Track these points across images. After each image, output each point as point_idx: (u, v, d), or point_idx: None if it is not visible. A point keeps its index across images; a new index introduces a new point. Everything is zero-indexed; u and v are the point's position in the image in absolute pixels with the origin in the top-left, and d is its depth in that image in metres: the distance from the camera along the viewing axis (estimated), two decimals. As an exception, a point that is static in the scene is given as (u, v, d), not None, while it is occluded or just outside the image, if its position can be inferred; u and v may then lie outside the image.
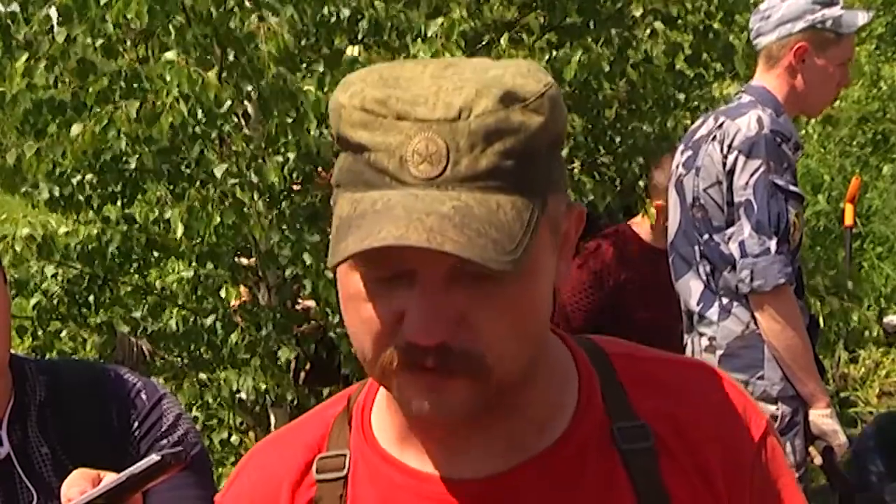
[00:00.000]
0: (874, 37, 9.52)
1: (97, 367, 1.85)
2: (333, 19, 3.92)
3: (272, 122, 3.80)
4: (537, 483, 1.03)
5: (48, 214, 4.59)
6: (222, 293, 4.08)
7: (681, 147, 3.12)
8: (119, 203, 4.08)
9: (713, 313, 2.95)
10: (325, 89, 3.70)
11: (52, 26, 3.88)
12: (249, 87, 3.72)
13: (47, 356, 3.94)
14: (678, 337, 3.15)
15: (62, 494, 1.32)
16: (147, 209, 3.97)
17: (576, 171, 4.54)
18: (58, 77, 3.80)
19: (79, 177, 3.92)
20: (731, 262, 2.86)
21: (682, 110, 4.72)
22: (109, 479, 1.28)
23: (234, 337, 3.98)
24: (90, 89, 3.70)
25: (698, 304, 2.99)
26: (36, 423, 1.60)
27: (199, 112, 3.59)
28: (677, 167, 3.07)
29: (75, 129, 3.64)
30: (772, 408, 2.87)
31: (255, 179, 3.71)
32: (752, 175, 2.82)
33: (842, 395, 6.13)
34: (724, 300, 2.92)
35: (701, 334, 2.99)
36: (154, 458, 1.23)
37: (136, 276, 4.34)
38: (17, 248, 3.88)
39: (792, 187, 2.84)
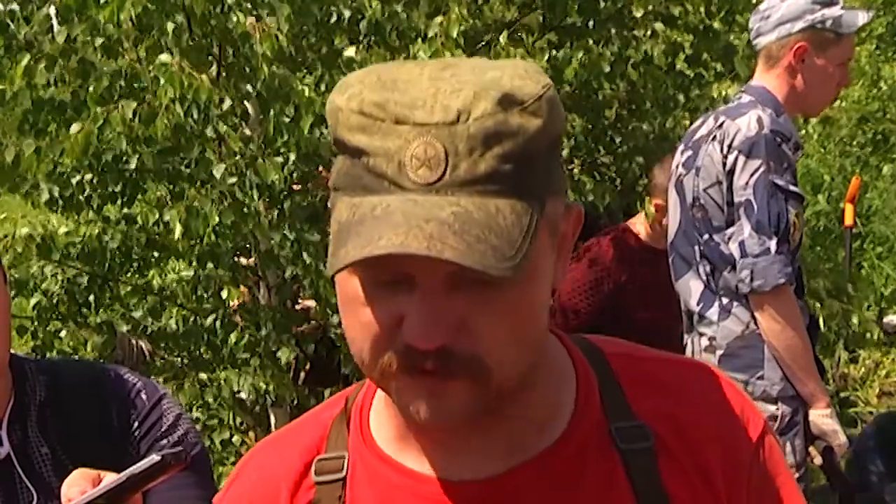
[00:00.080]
0: (874, 37, 9.52)
1: (97, 367, 1.84)
2: (333, 20, 3.92)
3: (269, 121, 3.81)
4: (537, 483, 1.03)
5: (48, 214, 4.59)
6: (223, 294, 4.08)
7: (681, 147, 3.12)
8: (119, 203, 4.08)
9: (713, 313, 2.95)
10: (323, 88, 3.71)
11: (52, 25, 3.88)
12: (248, 87, 3.72)
13: (47, 356, 3.94)
14: (678, 337, 3.14)
15: (62, 494, 1.32)
16: (147, 209, 3.97)
17: (576, 171, 4.54)
18: (58, 77, 3.80)
19: (78, 176, 3.92)
20: (731, 262, 2.86)
21: (682, 111, 4.72)
22: (109, 479, 1.28)
23: (233, 337, 3.98)
24: (90, 89, 3.70)
25: (698, 304, 2.99)
26: (36, 423, 1.60)
27: (195, 113, 3.59)
28: (677, 167, 3.07)
29: (74, 128, 3.65)
30: (772, 408, 2.87)
31: (254, 179, 3.71)
32: (752, 175, 2.82)
33: (842, 395, 6.13)
34: (724, 300, 2.92)
35: (701, 334, 2.99)
36: (154, 458, 1.23)
37: (136, 275, 4.34)
38: (18, 248, 3.88)
39: (792, 187, 2.84)
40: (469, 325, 0.93)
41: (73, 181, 3.93)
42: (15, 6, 3.94)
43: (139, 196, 4.14)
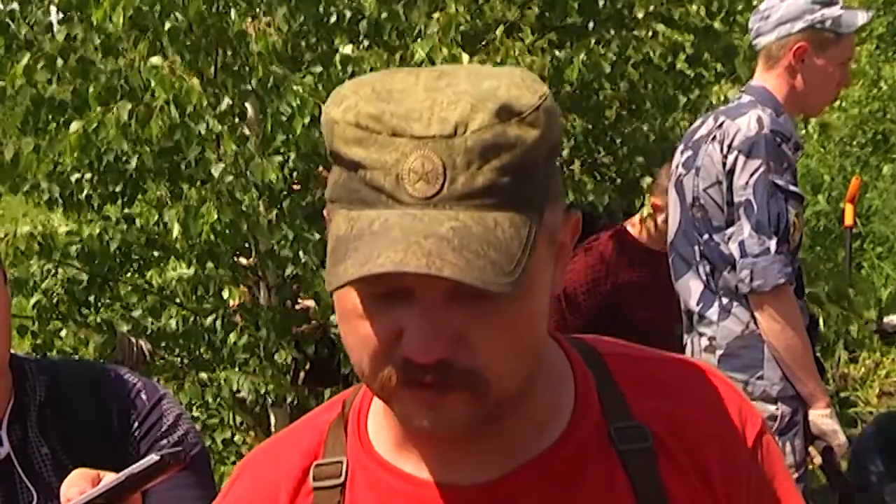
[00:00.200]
0: (874, 37, 9.52)
1: (97, 367, 1.84)
2: (333, 20, 3.93)
3: (267, 120, 3.81)
4: (537, 485, 1.03)
5: (49, 213, 4.59)
6: (224, 293, 4.08)
7: (681, 147, 3.12)
8: (119, 203, 4.08)
9: (713, 313, 2.95)
10: (321, 87, 3.71)
11: (52, 24, 3.89)
12: (247, 86, 3.72)
13: (47, 356, 3.94)
14: (677, 337, 3.14)
15: (62, 494, 1.32)
16: (146, 209, 3.97)
17: (576, 171, 4.54)
18: (58, 75, 3.80)
19: (77, 175, 3.93)
20: (730, 262, 2.86)
21: (682, 113, 4.72)
22: (109, 479, 1.28)
23: (233, 337, 3.98)
24: (90, 88, 3.70)
25: (698, 304, 2.99)
26: (36, 423, 1.60)
27: (191, 113, 3.60)
28: (677, 167, 3.07)
29: (74, 126, 3.65)
30: (771, 408, 2.87)
31: (252, 178, 3.71)
32: (751, 175, 2.82)
33: (842, 395, 6.13)
34: (724, 300, 2.92)
35: (701, 334, 2.99)
36: (153, 458, 1.24)
37: (136, 275, 4.34)
38: (21, 247, 3.88)
39: (792, 187, 2.84)
40: (468, 339, 0.93)
41: (73, 180, 3.93)
42: (15, 6, 3.94)
43: (139, 196, 4.14)
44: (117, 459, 1.49)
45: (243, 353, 4.00)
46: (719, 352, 2.93)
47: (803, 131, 7.58)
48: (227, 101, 3.73)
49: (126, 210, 4.08)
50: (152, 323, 4.19)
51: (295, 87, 3.65)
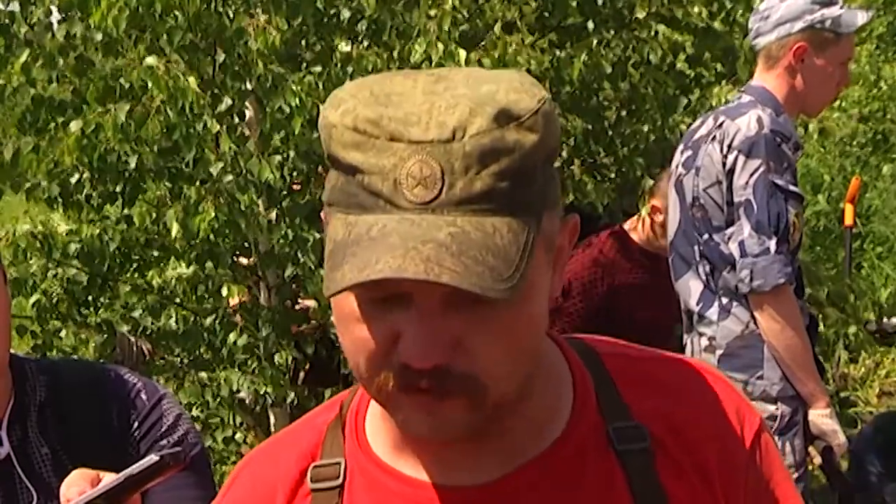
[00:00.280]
0: (874, 37, 9.52)
1: (97, 367, 1.84)
2: (333, 19, 3.93)
3: (265, 120, 3.81)
4: (537, 485, 1.03)
5: (49, 212, 4.59)
6: (223, 291, 4.08)
7: (680, 147, 3.12)
8: (119, 203, 4.08)
9: (713, 313, 2.95)
10: (321, 86, 3.70)
11: (52, 24, 3.89)
12: (245, 86, 3.72)
13: (47, 356, 3.94)
14: (677, 337, 3.14)
15: (61, 495, 1.32)
16: (145, 210, 3.97)
17: (575, 171, 4.54)
18: (58, 74, 3.80)
19: (77, 175, 3.92)
20: (730, 261, 2.86)
21: (682, 115, 4.72)
22: (108, 479, 1.28)
23: (232, 336, 3.98)
24: (90, 87, 3.70)
25: (698, 304, 2.99)
26: (36, 423, 1.60)
27: (187, 113, 3.60)
28: (677, 167, 3.07)
29: (73, 126, 3.65)
30: (771, 407, 2.87)
31: (251, 178, 3.71)
32: (751, 175, 2.82)
33: (842, 395, 6.13)
34: (724, 300, 2.92)
35: (700, 334, 2.99)
36: (153, 458, 1.24)
37: (136, 275, 4.34)
38: (22, 244, 3.88)
39: (792, 187, 2.84)
40: (465, 344, 0.93)
41: (72, 180, 3.93)
42: (15, 6, 3.94)
43: (140, 196, 4.14)
44: (117, 459, 1.49)
45: (243, 354, 4.00)
46: (719, 352, 2.94)
47: (802, 131, 7.58)
48: (226, 102, 3.73)
49: (126, 210, 4.08)
50: (152, 323, 4.19)
51: (294, 87, 3.66)
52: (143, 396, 1.64)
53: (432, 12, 3.79)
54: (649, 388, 1.09)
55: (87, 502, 1.27)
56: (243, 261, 4.24)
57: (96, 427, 1.61)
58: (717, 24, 4.58)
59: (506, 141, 0.91)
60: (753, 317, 2.87)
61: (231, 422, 4.40)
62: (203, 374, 4.11)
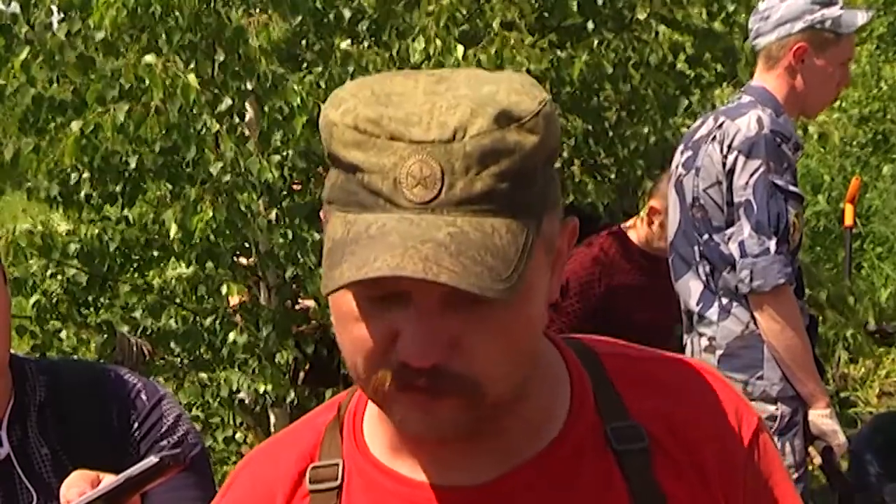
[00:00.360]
0: (875, 37, 9.52)
1: (97, 367, 1.84)
2: (332, 19, 3.93)
3: (265, 119, 3.81)
4: (534, 485, 1.03)
5: (48, 212, 4.59)
6: (223, 289, 4.08)
7: (680, 147, 3.11)
8: (119, 203, 4.08)
9: (713, 313, 2.95)
10: (324, 86, 3.71)
11: (52, 24, 3.89)
12: (245, 85, 3.72)
13: (47, 356, 3.94)
14: (677, 337, 3.14)
15: (61, 496, 1.32)
16: (145, 210, 3.98)
17: (576, 172, 4.54)
18: (58, 74, 3.81)
19: (76, 175, 3.93)
20: (730, 262, 2.86)
21: (682, 118, 4.72)
22: (108, 480, 1.28)
23: (232, 335, 3.98)
24: (90, 87, 3.71)
25: (698, 305, 2.99)
26: (36, 423, 1.60)
27: (187, 112, 3.60)
28: (677, 167, 3.07)
29: (74, 125, 3.65)
30: (771, 408, 2.87)
31: (250, 177, 3.71)
32: (751, 175, 2.82)
33: (842, 395, 6.13)
34: (724, 300, 2.92)
35: (700, 334, 2.99)
36: (152, 459, 1.24)
37: (136, 275, 4.34)
38: (22, 243, 3.89)
39: (792, 187, 2.84)
40: (463, 344, 0.93)
41: (73, 179, 3.93)
42: (15, 6, 3.95)
43: (140, 196, 4.14)
44: (117, 460, 1.49)
45: (243, 353, 4.00)
46: (719, 352, 2.93)
47: (801, 133, 7.59)
48: (227, 102, 3.73)
49: (126, 211, 4.08)
50: (152, 323, 4.19)
51: (296, 87, 3.66)
52: (144, 397, 1.64)
53: (430, 8, 3.79)
54: (649, 388, 1.09)
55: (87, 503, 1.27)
56: (243, 261, 4.24)
57: (96, 427, 1.61)
58: (716, 25, 4.58)
59: (506, 142, 0.91)
60: (753, 317, 2.87)
61: (231, 422, 4.41)
62: (203, 375, 4.11)
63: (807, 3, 2.90)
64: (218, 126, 3.71)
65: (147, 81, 3.54)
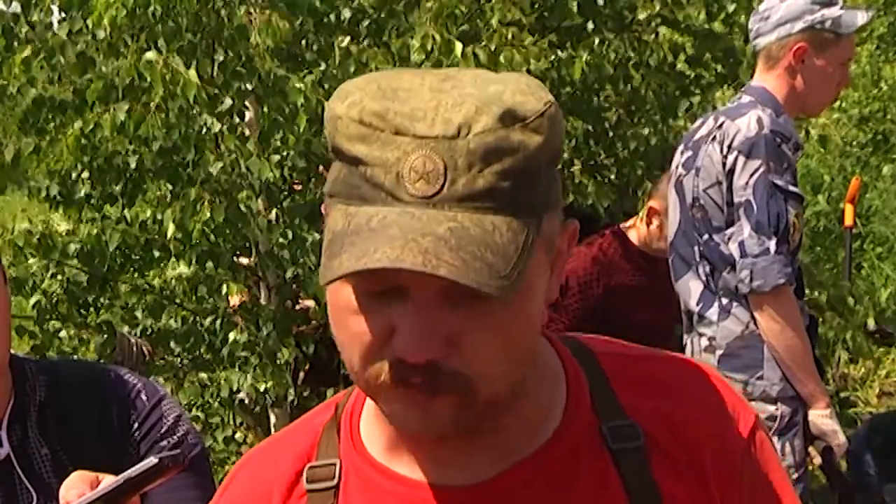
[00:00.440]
0: (875, 37, 9.52)
1: (97, 367, 1.84)
2: (333, 19, 3.93)
3: (265, 118, 3.81)
4: (531, 483, 1.03)
5: (48, 212, 4.59)
6: (223, 289, 4.08)
7: (680, 147, 3.11)
8: (119, 203, 4.08)
9: (713, 313, 2.95)
10: (326, 85, 3.71)
11: (53, 23, 3.90)
12: (247, 86, 3.72)
13: (47, 356, 3.94)
14: (678, 337, 3.14)
15: (60, 497, 1.32)
16: (143, 210, 3.98)
17: (576, 172, 4.55)
18: (59, 74, 3.81)
19: (75, 174, 3.93)
20: (730, 262, 2.86)
21: (683, 121, 4.72)
22: (107, 481, 1.28)
23: (233, 335, 3.98)
24: (91, 87, 3.71)
25: (698, 305, 2.99)
26: (36, 423, 1.60)
27: (189, 111, 3.60)
28: (677, 167, 3.07)
29: (75, 125, 3.66)
30: (771, 408, 2.87)
31: (251, 178, 3.71)
32: (751, 175, 2.82)
33: (842, 395, 6.13)
34: (724, 300, 2.92)
35: (700, 334, 2.99)
36: (152, 460, 1.24)
37: (136, 275, 4.34)
38: (19, 244, 3.89)
39: (792, 188, 2.84)
40: (460, 341, 0.93)
41: (72, 177, 3.93)
42: (16, 6, 3.95)
43: (140, 196, 4.14)
44: (117, 460, 1.49)
45: (244, 352, 4.00)
46: (719, 352, 2.93)
47: (803, 131, 7.59)
48: (227, 102, 3.73)
49: (125, 211, 4.08)
50: (152, 323, 4.19)
51: (297, 86, 3.66)
52: (144, 397, 1.64)
53: (429, 4, 3.79)
54: (646, 387, 1.09)
55: (87, 504, 1.27)
56: (243, 261, 4.24)
57: (96, 427, 1.61)
58: (716, 25, 4.59)
59: (510, 141, 0.91)
60: (753, 317, 2.87)
61: (231, 422, 4.41)
62: (203, 375, 4.11)
63: (807, 4, 2.90)
64: (219, 125, 3.71)
65: (148, 79, 3.54)
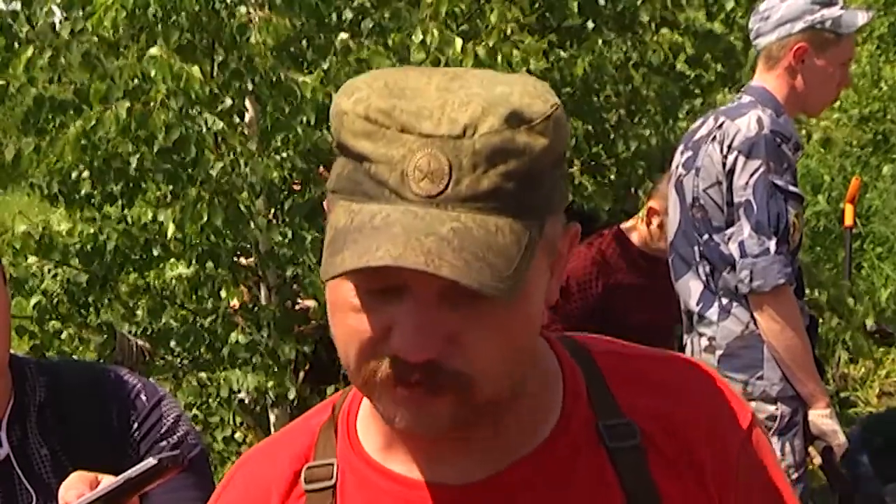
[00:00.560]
0: (875, 37, 9.51)
1: (97, 367, 1.84)
2: (334, 20, 3.93)
3: (267, 117, 3.81)
4: (529, 482, 1.03)
5: (48, 212, 4.59)
6: (222, 293, 4.09)
7: (681, 147, 3.12)
8: (119, 204, 4.08)
9: (713, 313, 2.95)
10: (328, 83, 3.71)
11: (55, 24, 3.90)
12: (247, 84, 3.72)
13: (47, 356, 3.94)
14: (678, 337, 3.14)
15: (60, 497, 1.31)
16: (144, 210, 3.98)
17: (575, 173, 4.54)
18: (60, 74, 3.81)
19: (76, 173, 3.93)
20: (730, 262, 2.86)
21: (684, 122, 4.72)
22: (107, 482, 1.28)
23: (234, 335, 3.98)
24: (93, 86, 3.71)
25: (698, 305, 2.99)
26: (36, 423, 1.60)
27: (190, 108, 3.60)
28: (677, 167, 3.07)
29: (77, 125, 3.66)
30: (771, 408, 2.87)
31: (251, 178, 3.71)
32: (751, 175, 2.82)
33: (842, 395, 6.13)
34: (724, 300, 2.92)
35: (700, 334, 2.99)
36: (151, 461, 1.24)
37: (136, 275, 4.34)
38: (17, 245, 3.89)
39: (792, 188, 2.84)
40: (459, 341, 0.93)
41: (73, 177, 3.93)
42: (16, 4, 3.95)
43: (139, 196, 4.14)
44: (117, 460, 1.49)
45: (245, 352, 4.01)
46: (719, 352, 2.94)
47: (803, 131, 7.59)
48: (228, 101, 3.73)
49: (125, 211, 4.08)
50: (150, 323, 4.19)
51: (301, 79, 3.66)
52: (143, 397, 1.64)
53: (429, 0, 3.79)
54: (642, 385, 1.09)
55: (86, 504, 1.27)
56: (243, 261, 4.24)
57: (96, 428, 1.61)
58: (716, 25, 4.59)
59: (516, 143, 0.91)
60: (753, 317, 2.87)
61: (231, 422, 4.40)
62: (203, 374, 4.11)
63: (807, 4, 2.90)
64: (221, 124, 3.71)
65: (153, 73, 3.54)
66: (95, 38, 3.74)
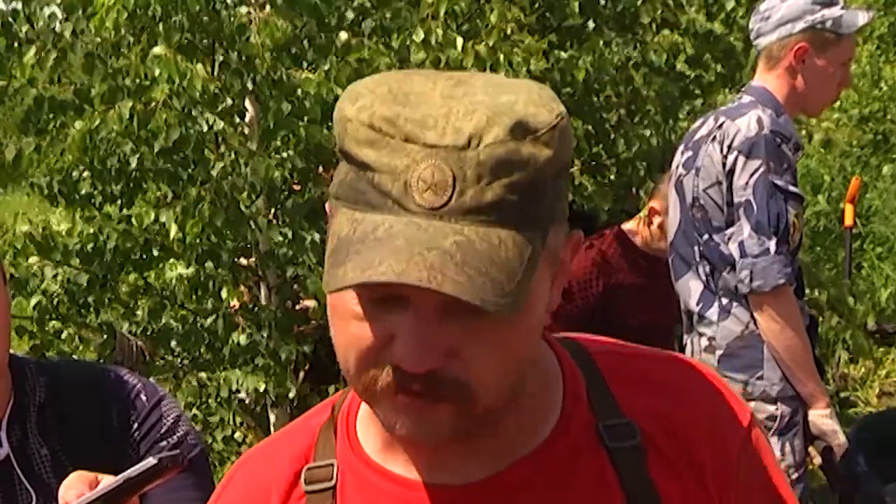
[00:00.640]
0: (875, 37, 9.51)
1: (97, 367, 1.84)
2: (334, 20, 3.93)
3: (268, 116, 3.81)
4: (529, 482, 1.03)
5: (48, 212, 4.59)
6: (223, 293, 4.08)
7: (681, 147, 3.12)
8: (119, 203, 4.08)
9: (713, 313, 2.95)
10: (330, 82, 3.71)
11: (56, 24, 3.90)
12: (248, 84, 3.72)
13: (47, 356, 3.94)
14: (678, 337, 3.14)
15: (59, 497, 1.31)
16: (144, 210, 3.98)
17: (576, 172, 4.54)
18: (61, 74, 3.81)
19: (76, 173, 3.93)
20: (730, 262, 2.86)
21: (685, 122, 4.72)
22: (106, 482, 1.28)
23: (234, 336, 3.98)
24: (95, 86, 3.71)
25: (698, 305, 2.99)
26: (35, 423, 1.60)
27: (192, 107, 3.60)
28: (677, 167, 3.07)
29: (79, 124, 3.66)
30: (771, 408, 2.87)
31: (252, 178, 3.71)
32: (751, 175, 2.82)
33: (842, 395, 6.13)
34: (724, 300, 2.92)
35: (700, 334, 2.99)
36: (151, 461, 1.23)
37: (136, 275, 4.34)
38: (18, 245, 3.89)
39: (792, 188, 2.84)
40: (460, 352, 0.93)
41: (74, 177, 3.93)
42: (16, 4, 3.95)
43: (140, 196, 4.14)
44: (117, 460, 1.49)
45: (246, 352, 4.01)
46: (719, 352, 2.94)
47: (804, 131, 7.59)
48: (228, 101, 3.73)
49: (125, 211, 4.08)
50: (150, 323, 4.19)
51: (304, 76, 3.66)
52: (143, 397, 1.64)
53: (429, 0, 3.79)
54: (641, 385, 1.09)
55: (86, 504, 1.27)
56: (243, 261, 4.24)
57: (96, 428, 1.61)
58: (716, 26, 4.59)
59: (521, 154, 0.90)
60: (753, 317, 2.87)
61: (231, 422, 4.40)
62: (203, 374, 4.11)
63: (807, 4, 2.90)
64: (222, 124, 3.71)
65: (157, 73, 3.54)
66: (98, 39, 3.74)
